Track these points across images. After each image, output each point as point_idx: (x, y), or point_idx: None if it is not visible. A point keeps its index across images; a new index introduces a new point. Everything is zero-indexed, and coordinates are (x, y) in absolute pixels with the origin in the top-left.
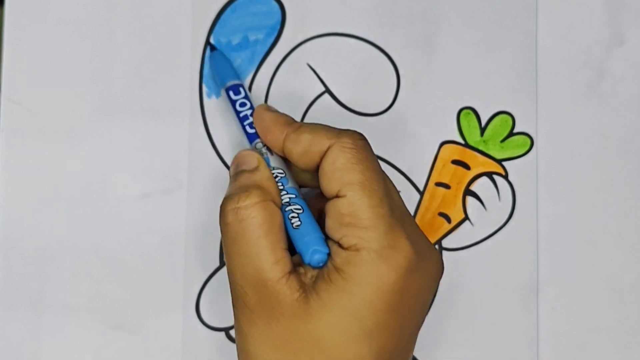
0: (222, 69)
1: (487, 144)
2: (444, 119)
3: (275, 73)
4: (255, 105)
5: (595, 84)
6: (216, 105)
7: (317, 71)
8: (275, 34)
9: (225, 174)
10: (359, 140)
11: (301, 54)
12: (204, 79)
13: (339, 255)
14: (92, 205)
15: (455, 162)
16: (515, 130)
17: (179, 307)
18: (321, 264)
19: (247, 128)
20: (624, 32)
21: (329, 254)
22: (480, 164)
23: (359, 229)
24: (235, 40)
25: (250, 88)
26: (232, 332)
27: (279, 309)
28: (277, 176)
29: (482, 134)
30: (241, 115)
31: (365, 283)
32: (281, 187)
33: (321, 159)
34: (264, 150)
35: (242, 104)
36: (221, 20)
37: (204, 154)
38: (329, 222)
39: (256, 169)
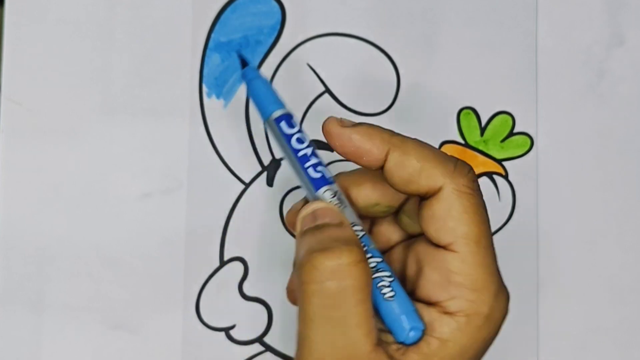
0: (264, 94)
1: (487, 144)
2: (444, 119)
3: (275, 73)
4: (308, 138)
5: (595, 84)
6: (216, 106)
7: (317, 71)
8: (275, 34)
9: (225, 173)
10: (474, 181)
11: (301, 54)
12: (204, 79)
13: (446, 325)
14: (92, 205)
15: None
16: (515, 130)
17: (179, 307)
18: (416, 341)
19: (311, 171)
20: (624, 32)
21: (424, 331)
22: (480, 164)
23: (471, 292)
24: (235, 40)
25: None
26: (232, 332)
27: None
28: (357, 234)
29: (482, 134)
30: (300, 155)
31: (471, 348)
32: (366, 244)
33: (429, 194)
34: (335, 201)
35: (300, 140)
36: (221, 20)
37: (204, 154)
38: (433, 277)
39: (341, 224)
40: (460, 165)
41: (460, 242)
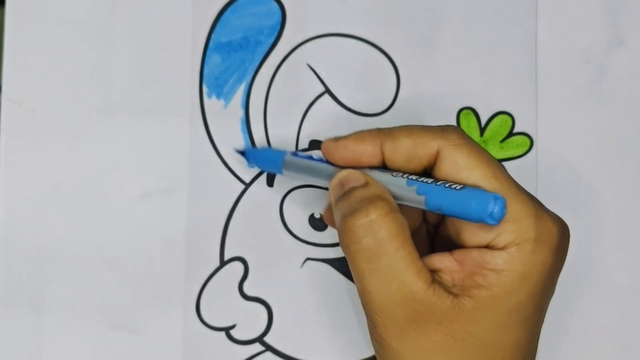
0: (268, 153)
1: (487, 144)
2: (444, 119)
3: (275, 73)
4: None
5: (595, 84)
6: (216, 106)
7: (317, 71)
8: (275, 34)
9: (225, 174)
10: (464, 134)
11: (301, 54)
12: (204, 79)
13: (500, 257)
14: (93, 205)
15: None
16: (515, 131)
17: (180, 307)
18: (504, 213)
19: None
20: (623, 32)
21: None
22: None
23: (511, 223)
24: (236, 41)
25: (250, 89)
26: (232, 332)
27: (434, 319)
28: (404, 174)
29: (481, 134)
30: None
31: (530, 274)
32: (417, 177)
33: (431, 161)
34: (367, 169)
35: (312, 156)
36: (221, 21)
37: (204, 154)
38: (473, 226)
39: (367, 184)
40: (446, 127)
41: (481, 183)
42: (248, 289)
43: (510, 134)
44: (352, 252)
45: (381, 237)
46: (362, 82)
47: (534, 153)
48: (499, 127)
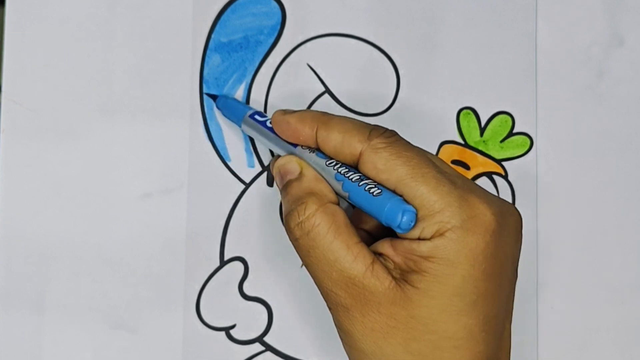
0: (235, 106)
1: (487, 144)
2: (444, 119)
3: (275, 73)
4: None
5: (595, 84)
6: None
7: (317, 71)
8: (276, 34)
9: (225, 174)
10: (389, 137)
11: (301, 54)
12: (204, 79)
13: (425, 245)
14: (93, 206)
15: (455, 162)
16: (515, 131)
17: (180, 306)
18: (412, 224)
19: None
20: (623, 32)
21: (416, 214)
22: (480, 164)
23: (434, 215)
24: (236, 41)
25: (250, 89)
26: (232, 332)
27: (375, 300)
28: (336, 164)
29: (481, 134)
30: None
31: (459, 261)
32: (346, 170)
33: (355, 161)
34: (306, 150)
35: (266, 123)
36: (221, 21)
37: (204, 154)
38: None
39: (301, 174)
40: (375, 129)
41: (399, 185)
42: (248, 289)
43: (510, 134)
44: (295, 247)
45: (314, 233)
46: (362, 82)
47: (533, 153)
48: (498, 127)
